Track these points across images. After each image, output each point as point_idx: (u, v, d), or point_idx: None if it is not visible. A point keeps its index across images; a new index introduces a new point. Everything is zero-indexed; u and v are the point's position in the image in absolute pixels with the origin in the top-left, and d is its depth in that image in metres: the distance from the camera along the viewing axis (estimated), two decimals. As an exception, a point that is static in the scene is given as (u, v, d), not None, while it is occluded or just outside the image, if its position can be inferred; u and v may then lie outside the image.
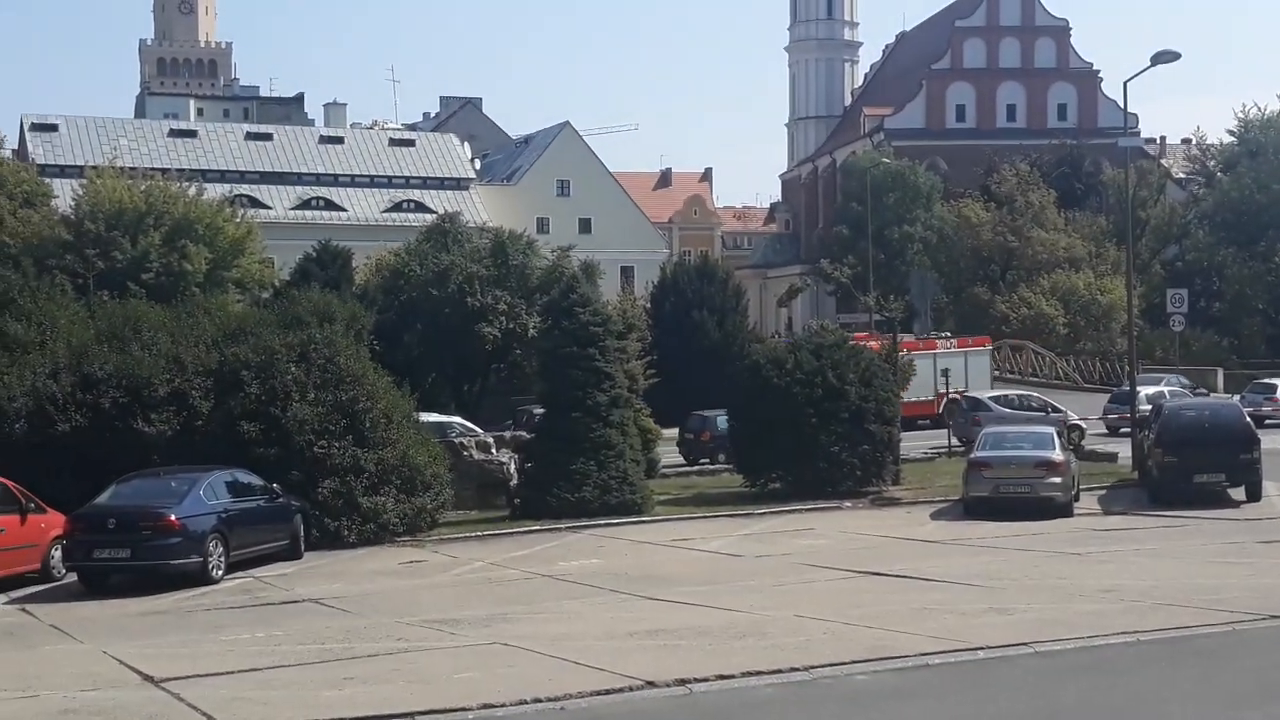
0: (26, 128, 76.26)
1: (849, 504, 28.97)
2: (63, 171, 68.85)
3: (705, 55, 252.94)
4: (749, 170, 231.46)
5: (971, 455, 28.46)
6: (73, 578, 21.60)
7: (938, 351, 48.08)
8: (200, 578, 21.00)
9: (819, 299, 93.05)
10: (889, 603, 17.62)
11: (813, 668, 13.74)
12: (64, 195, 60.95)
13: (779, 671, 13.63)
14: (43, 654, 16.26)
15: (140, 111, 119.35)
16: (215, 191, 63.42)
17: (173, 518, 20.87)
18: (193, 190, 58.47)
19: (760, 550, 23.34)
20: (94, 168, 60.95)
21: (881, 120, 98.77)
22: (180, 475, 22.44)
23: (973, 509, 26.94)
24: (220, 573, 21.40)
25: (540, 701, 12.70)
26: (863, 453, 29.85)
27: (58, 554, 21.78)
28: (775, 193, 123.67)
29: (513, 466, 29.38)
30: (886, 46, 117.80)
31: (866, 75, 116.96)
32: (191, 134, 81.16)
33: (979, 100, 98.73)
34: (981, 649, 14.47)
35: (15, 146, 73.31)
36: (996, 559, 21.60)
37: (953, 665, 13.97)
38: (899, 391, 33.66)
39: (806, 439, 29.37)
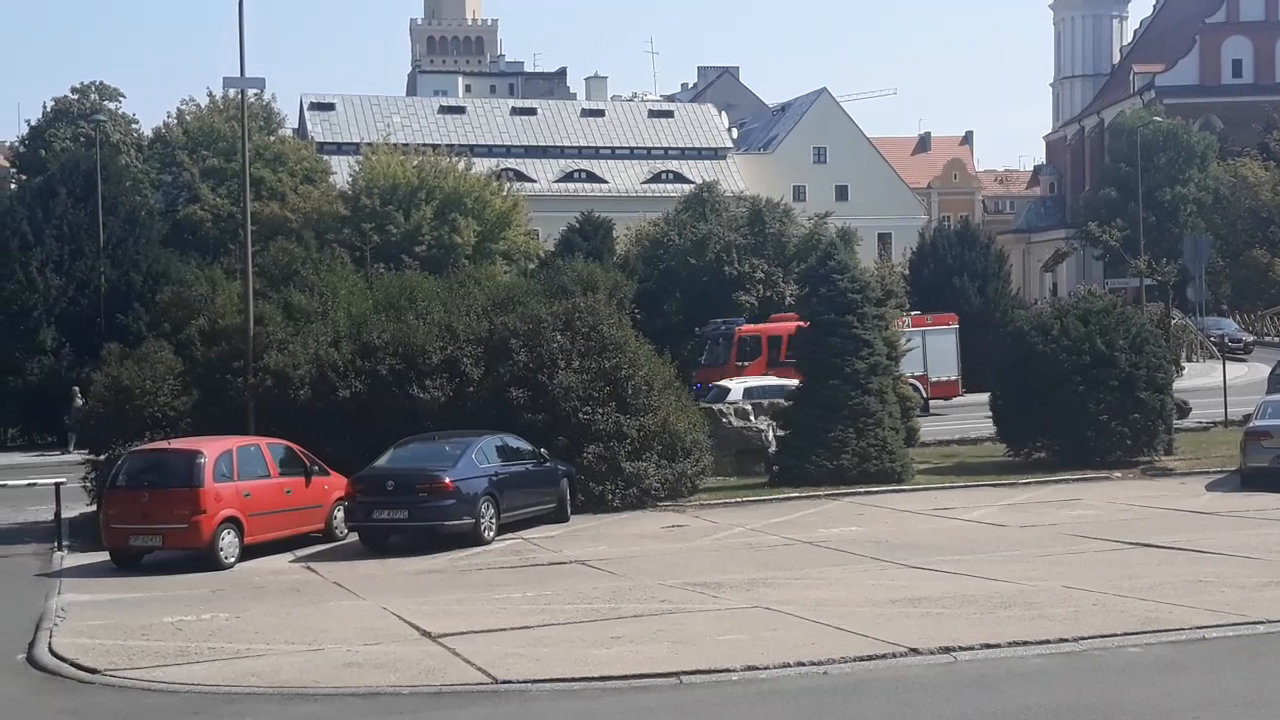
0: (306, 107, 79.66)
1: (1118, 474, 28.13)
2: (340, 149, 71.77)
3: (966, 16, 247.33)
4: (1011, 132, 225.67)
5: (1250, 425, 27.31)
6: (354, 537, 22.57)
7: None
8: (473, 538, 21.74)
9: (1086, 264, 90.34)
10: (1162, 574, 17.11)
11: (1083, 639, 13.50)
12: (341, 172, 63.62)
13: (1047, 642, 13.43)
14: (327, 610, 17.04)
15: (411, 89, 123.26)
16: (483, 166, 65.22)
17: (448, 480, 21.64)
18: (461, 165, 60.34)
19: (1025, 520, 22.91)
20: (369, 145, 63.47)
21: (1152, 78, 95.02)
22: (454, 440, 23.21)
23: (1251, 480, 25.85)
24: (491, 534, 22.10)
25: (803, 665, 12.80)
26: (1133, 421, 28.92)
27: (340, 514, 22.78)
28: (1039, 155, 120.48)
29: (771, 434, 29.48)
30: (1157, 1, 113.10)
31: (1136, 31, 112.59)
32: (460, 110, 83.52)
33: (1257, 54, 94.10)
34: (1262, 623, 13.98)
35: (295, 125, 76.68)
36: (1276, 532, 20.70)
37: (1231, 639, 13.54)
38: (1175, 360, 32.43)
39: (1073, 407, 28.61)
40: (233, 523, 20.80)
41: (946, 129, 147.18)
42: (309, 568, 20.69)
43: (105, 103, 69.35)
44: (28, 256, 45.23)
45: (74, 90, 70.17)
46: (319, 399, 25.50)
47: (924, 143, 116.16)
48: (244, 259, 26.98)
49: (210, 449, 21.30)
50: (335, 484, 22.91)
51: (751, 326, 44.05)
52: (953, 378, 43.54)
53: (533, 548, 21.68)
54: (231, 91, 53.83)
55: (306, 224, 52.45)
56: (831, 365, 27.75)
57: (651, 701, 12.05)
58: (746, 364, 41.51)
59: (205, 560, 20.39)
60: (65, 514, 23.44)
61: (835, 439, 27.29)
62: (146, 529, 20.67)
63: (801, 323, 41.39)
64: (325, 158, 66.76)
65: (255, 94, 53.99)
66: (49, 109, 69.56)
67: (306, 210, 56.47)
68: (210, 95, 65.82)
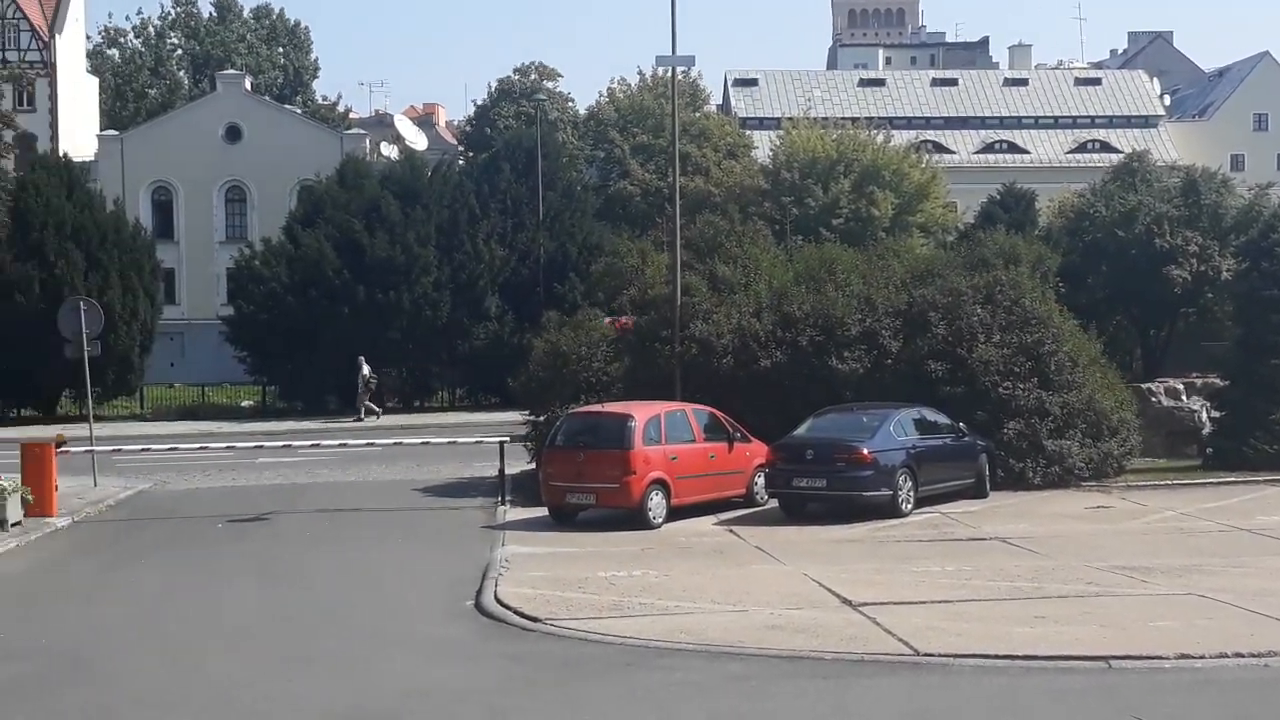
0: (730, 83, 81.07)
1: None
2: (761, 124, 72.72)
3: None
4: None
5: None
6: (773, 503, 23.04)
7: None
8: (890, 510, 21.81)
9: None
10: None
11: None
12: (762, 146, 64.61)
13: None
14: (750, 572, 17.47)
15: (832, 63, 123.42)
16: (901, 138, 64.77)
17: (865, 451, 21.82)
18: (880, 138, 60.21)
19: None
20: (789, 119, 64.15)
21: None
22: (872, 411, 23.36)
23: None
24: (909, 506, 22.12)
25: (1241, 656, 12.30)
26: None
27: (760, 481, 23.35)
28: None
29: (1204, 414, 28.20)
30: None
31: None
32: (880, 83, 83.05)
33: None
34: None
35: (720, 101, 78.27)
36: None
37: None
38: None
39: None
40: (660, 485, 21.64)
41: None
42: (731, 531, 21.27)
43: (544, 82, 72.91)
44: (475, 229, 48.43)
45: (516, 71, 74.17)
46: (741, 368, 26.04)
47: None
48: (672, 232, 27.81)
49: (640, 413, 22.19)
50: (756, 451, 23.45)
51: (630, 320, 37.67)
52: None
53: (950, 522, 21.56)
54: (661, 69, 55.60)
55: (729, 198, 53.56)
56: (1274, 343, 26.28)
57: (1078, 684, 11.84)
58: None
59: (635, 519, 21.29)
60: (507, 470, 25.00)
61: (1277, 421, 25.83)
62: (581, 487, 21.76)
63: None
64: (747, 133, 67.87)
65: (683, 71, 55.49)
66: (493, 89, 73.78)
67: (729, 184, 57.66)
68: (640, 74, 68.18)
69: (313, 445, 29.91)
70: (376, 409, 44.03)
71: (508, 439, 25.89)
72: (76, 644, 14.28)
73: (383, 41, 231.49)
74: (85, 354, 27.64)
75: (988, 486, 24.02)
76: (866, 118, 67.49)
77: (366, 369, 43.96)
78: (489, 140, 65.82)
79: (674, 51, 27.92)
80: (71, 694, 12.25)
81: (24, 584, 17.28)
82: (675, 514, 21.84)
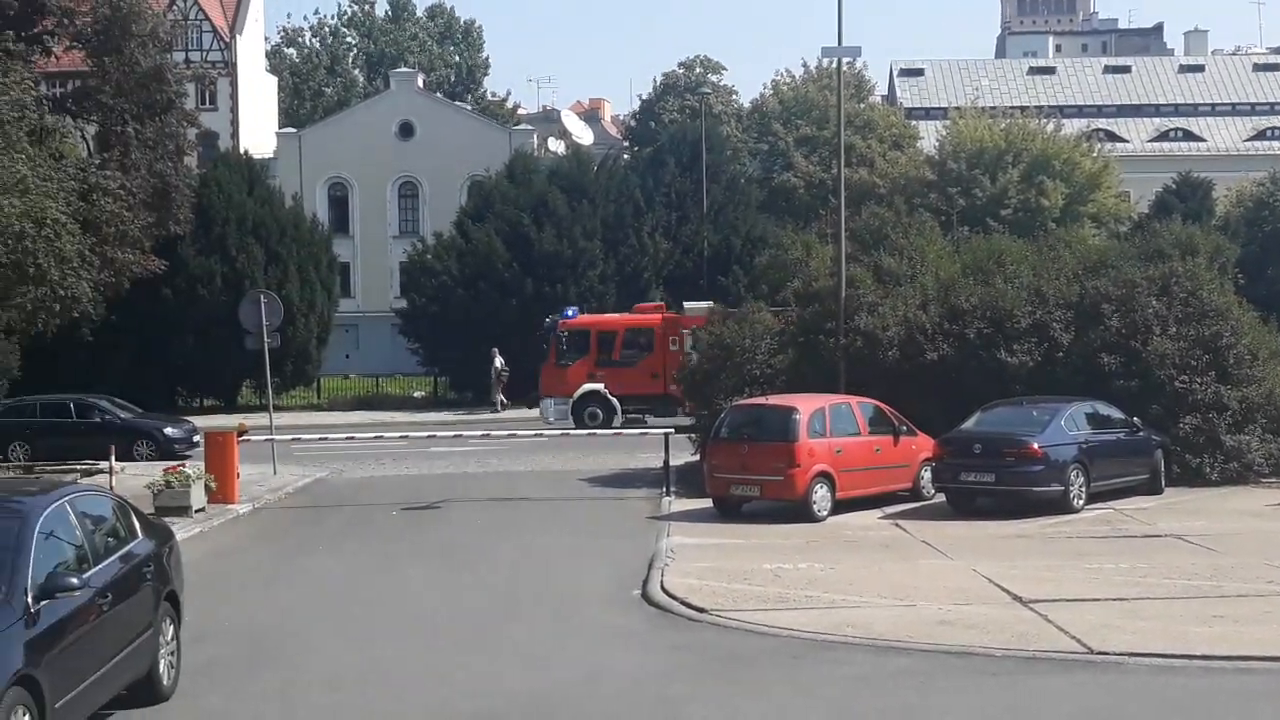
0: (895, 73, 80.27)
1: None
2: (927, 114, 71.85)
3: None
4: None
5: None
6: (940, 498, 22.83)
7: None
8: (1061, 506, 21.46)
9: None
10: None
11: None
12: (928, 136, 63.88)
13: None
14: (917, 567, 17.34)
15: (1000, 51, 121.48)
16: (1072, 127, 63.50)
17: (1035, 446, 21.48)
18: (1050, 126, 59.21)
19: None
20: (957, 109, 63.36)
21: None
22: (1042, 405, 23.00)
23: None
24: (1081, 502, 21.73)
25: None
26: None
27: (927, 475, 23.16)
28: None
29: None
30: None
31: None
32: (1049, 71, 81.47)
33: None
34: None
35: (885, 92, 77.56)
36: None
37: None
38: None
39: None
40: (825, 477, 21.60)
41: None
42: (897, 525, 21.14)
43: (709, 76, 73.11)
44: (640, 222, 48.92)
45: (680, 65, 74.52)
46: (906, 360, 25.82)
47: None
48: (837, 224, 27.71)
49: (805, 406, 22.20)
50: (922, 444, 23.28)
51: (585, 319, 39.37)
52: None
53: (1124, 519, 21.15)
54: (827, 60, 55.35)
55: (894, 189, 53.15)
56: None
57: (1259, 685, 11.59)
58: (569, 363, 37.64)
59: (799, 512, 21.28)
60: (672, 462, 25.19)
61: None
62: (745, 479, 21.84)
63: (652, 314, 36.60)
64: (913, 123, 67.17)
65: (848, 62, 55.14)
66: (658, 84, 74.22)
67: (894, 176, 57.19)
68: (805, 65, 67.94)
69: (483, 435, 30.54)
70: (501, 401, 44.59)
71: (672, 430, 26.05)
72: (262, 628, 14.83)
73: (550, 38, 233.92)
74: (265, 346, 28.55)
75: (1163, 482, 23.50)
76: (1036, 106, 66.29)
77: (499, 360, 44.74)
78: (654, 134, 66.27)
79: (840, 42, 27.78)
80: (261, 676, 12.71)
81: (209, 569, 17.94)
82: (840, 507, 21.76)
